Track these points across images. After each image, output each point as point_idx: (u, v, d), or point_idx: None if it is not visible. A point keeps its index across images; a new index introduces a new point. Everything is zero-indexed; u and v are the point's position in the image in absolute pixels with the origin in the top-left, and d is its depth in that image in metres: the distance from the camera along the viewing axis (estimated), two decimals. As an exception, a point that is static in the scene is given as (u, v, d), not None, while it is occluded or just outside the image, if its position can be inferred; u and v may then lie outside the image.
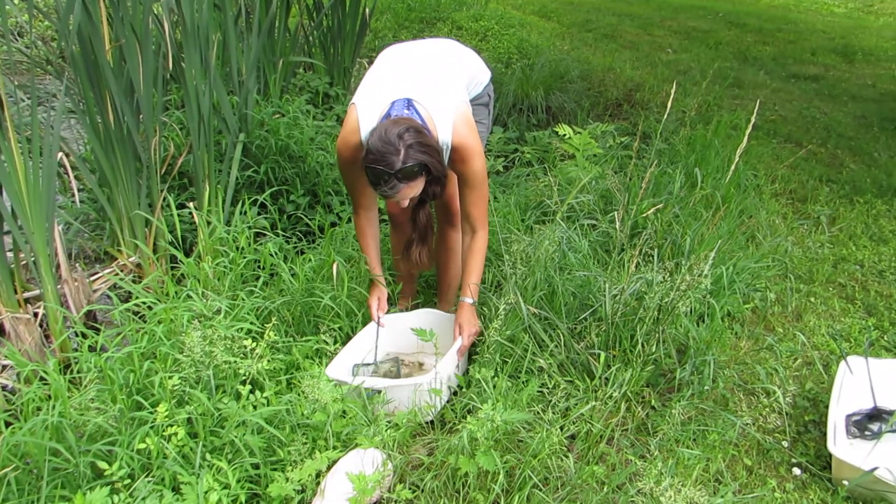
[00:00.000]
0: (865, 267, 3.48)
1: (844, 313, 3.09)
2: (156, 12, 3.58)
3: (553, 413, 2.13)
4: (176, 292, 2.51)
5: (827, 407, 2.32)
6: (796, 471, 2.22)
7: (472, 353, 2.54)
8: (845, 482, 2.07)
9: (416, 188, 2.16)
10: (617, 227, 2.82)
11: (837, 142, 5.23)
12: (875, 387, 2.36)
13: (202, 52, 3.16)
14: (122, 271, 3.06)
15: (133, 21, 2.86)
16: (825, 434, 2.22)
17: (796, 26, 9.52)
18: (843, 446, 2.16)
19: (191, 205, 3.25)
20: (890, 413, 2.24)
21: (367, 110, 2.25)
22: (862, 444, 2.18)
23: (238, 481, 1.83)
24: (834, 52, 8.14)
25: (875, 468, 1.95)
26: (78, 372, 2.17)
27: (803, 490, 2.16)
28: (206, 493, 1.74)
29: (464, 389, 2.34)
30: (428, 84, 2.30)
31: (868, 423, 2.22)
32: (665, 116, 3.24)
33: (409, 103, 2.21)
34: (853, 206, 4.13)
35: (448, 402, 2.39)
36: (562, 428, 2.16)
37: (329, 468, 1.96)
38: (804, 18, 10.22)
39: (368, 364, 2.52)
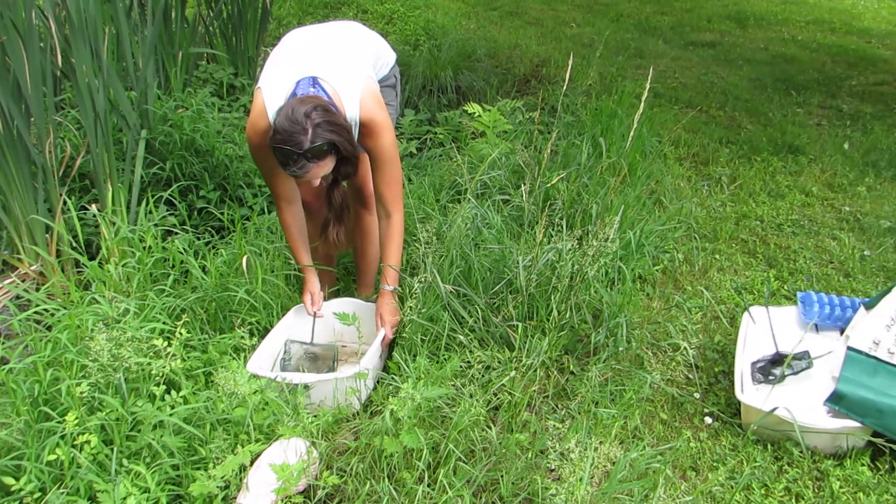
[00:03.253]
0: (765, 222, 3.66)
1: (747, 267, 3.24)
2: (39, 6, 3.41)
3: (474, 386, 2.16)
4: (81, 297, 2.42)
5: (734, 357, 2.44)
6: (708, 420, 2.33)
7: (393, 339, 2.54)
8: (753, 425, 2.18)
9: (325, 167, 2.13)
10: (524, 197, 2.86)
11: (735, 104, 5.44)
12: (776, 333, 2.50)
13: (92, 46, 3.04)
14: (23, 281, 2.93)
15: (14, 17, 2.72)
16: (734, 383, 2.33)
17: (692, -5, 9.81)
18: (749, 392, 2.27)
19: (93, 206, 3.13)
20: (789, 357, 2.36)
21: (272, 92, 2.21)
22: (767, 388, 2.29)
23: (158, 484, 1.79)
24: (728, 19, 8.44)
25: (775, 409, 2.07)
26: (-22, 388, 2.07)
27: (716, 437, 2.26)
28: (124, 499, 1.69)
29: (389, 373, 2.35)
30: (333, 61, 2.27)
31: (771, 368, 2.34)
32: (564, 88, 3.30)
33: (314, 81, 2.18)
34: (751, 164, 4.32)
35: (373, 389, 2.39)
36: (488, 402, 2.20)
37: (253, 462, 1.94)
38: (699, -13, 10.54)
39: (305, 343, 2.50)
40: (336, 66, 2.26)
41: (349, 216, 2.54)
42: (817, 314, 2.54)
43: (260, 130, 2.22)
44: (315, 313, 2.59)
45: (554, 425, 2.17)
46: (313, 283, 2.61)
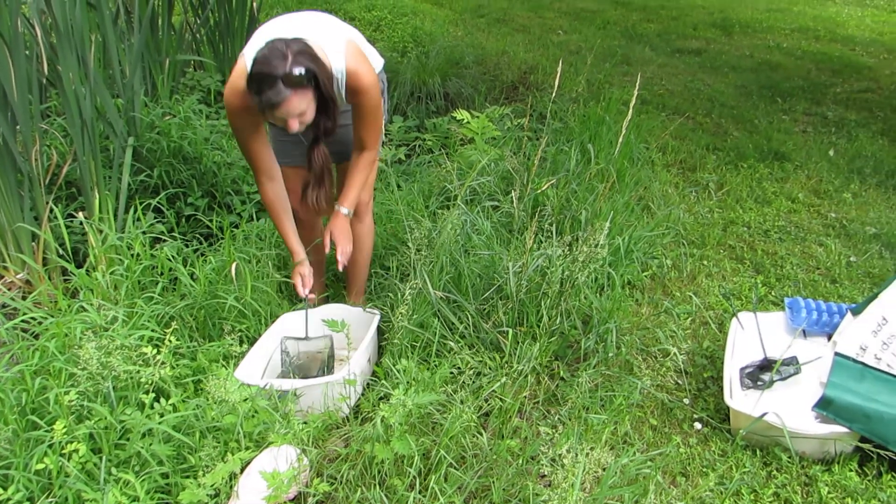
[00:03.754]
0: (752, 228, 3.68)
1: (735, 273, 3.26)
2: (25, 14, 3.39)
3: (465, 392, 2.16)
4: (69, 305, 2.40)
5: (723, 362, 2.45)
6: (697, 425, 2.34)
7: (382, 343, 2.54)
8: (742, 431, 2.19)
9: (303, 101, 2.06)
10: (514, 203, 2.87)
11: (721, 111, 5.48)
12: (764, 339, 2.51)
13: (79, 53, 3.02)
14: (9, 289, 2.90)
15: (-1, 24, 2.70)
16: (723, 388, 2.34)
17: (678, 3, 9.89)
18: (738, 398, 2.29)
19: (80, 214, 3.11)
20: (777, 363, 2.37)
21: (254, 52, 2.14)
22: (755, 394, 2.31)
23: (147, 492, 1.78)
24: (714, 26, 8.51)
25: (764, 414, 2.08)
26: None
27: (705, 443, 2.27)
28: (113, 507, 1.68)
29: (378, 380, 2.35)
30: (316, 27, 2.26)
31: (760, 373, 2.35)
32: (553, 95, 3.32)
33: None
34: (738, 171, 4.35)
35: (362, 394, 2.39)
36: (479, 408, 2.20)
37: (243, 470, 1.93)
38: (685, -5, 10.64)
39: (300, 338, 2.49)
40: (319, 29, 2.25)
41: (330, 179, 2.47)
42: (805, 320, 2.56)
43: (240, 90, 2.16)
44: (306, 296, 2.55)
45: (545, 431, 2.17)
46: (303, 264, 2.55)
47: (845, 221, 3.78)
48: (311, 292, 2.56)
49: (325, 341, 2.55)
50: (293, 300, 2.67)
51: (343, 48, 2.23)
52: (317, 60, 2.07)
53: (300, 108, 2.07)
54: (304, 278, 2.55)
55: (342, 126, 2.47)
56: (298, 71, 1.99)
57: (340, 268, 2.51)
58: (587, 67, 5.47)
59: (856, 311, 2.45)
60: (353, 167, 2.47)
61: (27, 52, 2.97)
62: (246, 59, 2.17)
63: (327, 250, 2.49)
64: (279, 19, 2.37)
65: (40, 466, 1.74)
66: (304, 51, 2.03)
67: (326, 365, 2.52)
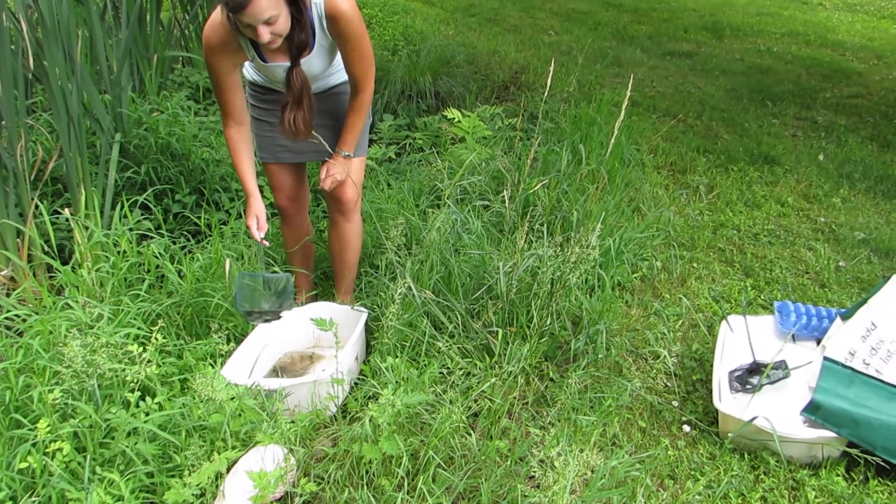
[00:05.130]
0: (742, 231, 3.69)
1: (724, 276, 3.26)
2: (10, 8, 3.35)
3: (454, 393, 2.15)
4: (54, 302, 2.37)
5: (712, 365, 2.45)
6: (686, 428, 2.34)
7: (371, 342, 2.53)
8: (731, 434, 2.19)
9: (273, 4, 2.00)
10: (506, 203, 2.86)
11: (711, 114, 5.50)
12: (753, 342, 2.51)
13: (65, 49, 2.99)
14: (-7, 285, 2.87)
15: (-15, 18, 2.67)
16: (712, 391, 2.34)
17: (669, 5, 9.92)
18: (727, 401, 2.28)
19: (66, 210, 3.08)
20: (766, 366, 2.38)
21: None
22: (744, 397, 2.30)
23: (132, 492, 1.75)
24: (705, 29, 8.54)
25: (753, 418, 2.08)
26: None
27: (694, 446, 2.27)
28: (96, 507, 1.66)
29: (366, 378, 2.33)
30: None
31: (749, 377, 2.35)
32: (545, 96, 3.31)
33: None
34: (728, 174, 4.36)
35: (350, 392, 2.37)
36: (469, 408, 2.18)
37: (229, 469, 1.91)
38: (676, -3, 10.68)
39: (256, 275, 2.44)
40: None
41: (309, 103, 2.38)
42: (794, 324, 2.56)
43: (217, 24, 2.14)
44: (261, 240, 2.49)
45: (534, 433, 2.16)
46: (258, 205, 2.49)
47: (834, 226, 3.79)
48: (265, 239, 2.52)
49: (283, 280, 2.49)
50: (263, 264, 2.62)
51: None
52: None
53: (269, 10, 2.00)
54: (260, 220, 2.48)
55: (331, 94, 2.47)
56: None
57: (322, 186, 2.49)
58: (578, 68, 5.47)
59: (845, 316, 2.45)
60: (350, 110, 2.46)
61: (13, 47, 2.94)
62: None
63: (324, 186, 2.48)
64: None
65: (24, 465, 1.72)
66: None
67: (280, 303, 2.47)
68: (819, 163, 4.63)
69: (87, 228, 2.85)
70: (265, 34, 2.04)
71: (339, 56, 2.38)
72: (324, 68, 2.38)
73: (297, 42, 2.19)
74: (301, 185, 2.72)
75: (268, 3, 1.99)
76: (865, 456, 2.09)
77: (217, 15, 2.16)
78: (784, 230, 3.72)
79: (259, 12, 1.99)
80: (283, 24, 2.07)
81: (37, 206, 2.98)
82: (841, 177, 4.42)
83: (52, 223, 2.88)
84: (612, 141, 2.85)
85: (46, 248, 2.86)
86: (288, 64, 2.25)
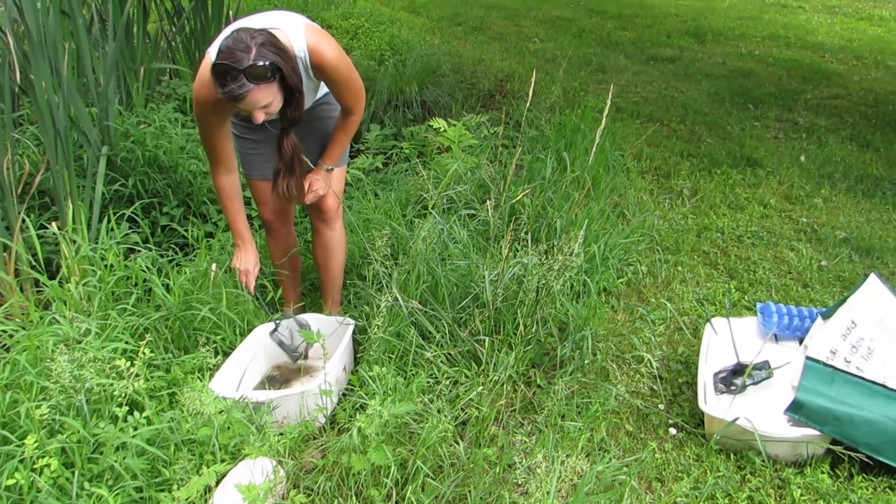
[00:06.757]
0: (725, 234, 3.73)
1: (709, 278, 3.30)
2: (-3, 23, 3.35)
3: (442, 402, 2.16)
4: (41, 317, 2.38)
5: (697, 367, 2.48)
6: (673, 431, 2.36)
7: (359, 353, 2.54)
8: (716, 436, 2.22)
9: (267, 94, 2.06)
10: (490, 212, 2.89)
11: (695, 118, 5.55)
12: (737, 344, 2.54)
13: (52, 62, 3.00)
14: (-20, 301, 2.86)
15: (-31, 33, 2.67)
16: (697, 393, 2.37)
17: (651, 11, 10.01)
18: (712, 403, 2.31)
19: (53, 224, 3.08)
20: (752, 367, 2.41)
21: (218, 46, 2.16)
22: (729, 398, 2.33)
23: (121, 507, 1.76)
24: (687, 34, 8.62)
25: (736, 419, 2.11)
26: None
27: (680, 448, 2.29)
28: (86, 523, 1.66)
29: (353, 388, 2.34)
30: (274, 17, 2.26)
31: (733, 378, 2.38)
32: (528, 104, 3.34)
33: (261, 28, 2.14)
34: (711, 177, 4.40)
35: (338, 403, 2.39)
36: (457, 416, 2.20)
37: (218, 482, 1.91)
38: (658, 3, 10.76)
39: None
40: (278, 18, 2.25)
41: (301, 168, 2.46)
42: (776, 324, 2.60)
43: (207, 82, 2.15)
44: (246, 287, 2.56)
45: (521, 439, 2.18)
46: (253, 255, 2.56)
47: (816, 226, 3.84)
48: (253, 289, 2.59)
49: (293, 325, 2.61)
50: (269, 311, 2.66)
51: (302, 28, 2.22)
52: (281, 52, 2.06)
53: (264, 100, 2.07)
54: (249, 274, 2.56)
55: (314, 107, 2.50)
56: (262, 63, 1.99)
57: (304, 200, 2.53)
58: (561, 74, 5.51)
59: (826, 316, 2.49)
60: (337, 128, 2.50)
61: (-1, 61, 2.95)
62: (211, 52, 2.16)
63: (306, 200, 2.52)
64: (246, 17, 2.37)
65: (11, 482, 1.72)
66: (267, 42, 2.02)
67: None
68: (800, 164, 4.68)
69: (73, 242, 2.85)
70: (260, 117, 2.12)
71: None
72: (310, 102, 2.44)
73: (290, 118, 2.24)
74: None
75: (262, 95, 2.05)
76: (849, 453, 2.12)
77: (207, 73, 2.15)
78: (767, 231, 3.76)
79: (254, 103, 2.06)
80: (277, 105, 2.14)
81: (24, 220, 2.98)
82: (822, 177, 4.48)
83: (40, 237, 2.88)
84: (594, 149, 2.88)
85: (33, 263, 2.86)
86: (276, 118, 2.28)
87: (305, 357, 2.63)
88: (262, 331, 2.57)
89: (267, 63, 1.99)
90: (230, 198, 2.50)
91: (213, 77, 2.03)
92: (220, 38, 2.18)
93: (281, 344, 2.56)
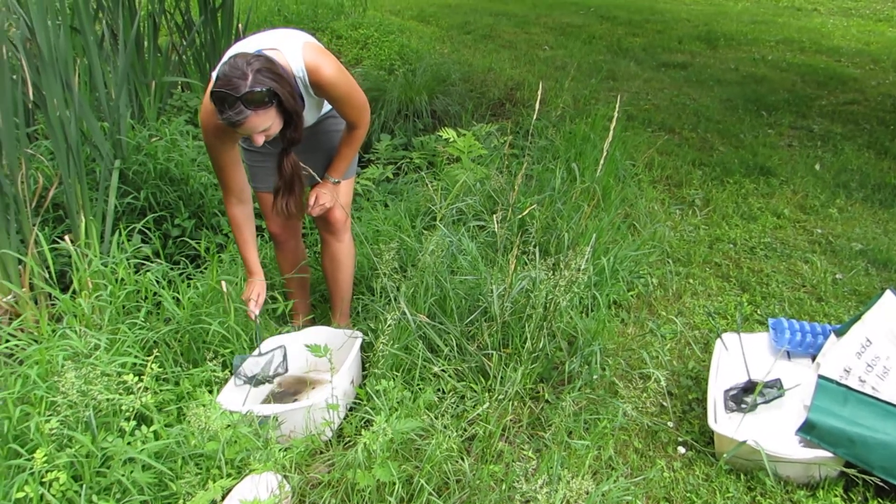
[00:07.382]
0: (738, 245, 3.69)
1: (721, 291, 3.27)
2: (11, 40, 3.39)
3: (449, 417, 2.16)
4: (53, 331, 2.40)
5: (707, 384, 2.45)
6: (682, 449, 2.33)
7: (367, 366, 2.54)
8: (725, 456, 2.19)
9: (265, 120, 2.08)
10: (496, 226, 2.88)
11: (707, 126, 5.51)
12: (748, 360, 2.51)
13: (62, 78, 3.03)
14: (-5, 314, 2.89)
15: (-16, 50, 2.71)
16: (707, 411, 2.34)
17: (662, 16, 9.97)
18: (722, 421, 2.28)
19: (66, 238, 3.10)
20: (763, 385, 2.38)
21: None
22: (739, 417, 2.30)
23: (128, 523, 1.77)
24: (699, 40, 8.57)
25: (745, 441, 2.08)
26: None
27: (689, 467, 2.27)
28: (92, 540, 1.67)
29: (361, 402, 2.34)
30: (273, 37, 2.27)
31: (743, 396, 2.35)
32: (535, 114, 3.34)
33: (258, 52, 2.16)
34: (724, 187, 4.37)
35: (345, 417, 2.39)
36: (464, 431, 2.19)
37: (224, 497, 1.92)
38: (669, 8, 10.73)
39: (255, 356, 2.49)
40: (276, 38, 2.26)
41: (300, 187, 2.49)
42: (788, 341, 2.57)
43: (210, 109, 2.17)
44: (255, 318, 2.55)
45: (528, 457, 2.17)
46: (261, 286, 2.57)
47: (831, 237, 3.79)
48: (257, 309, 2.57)
49: (277, 354, 2.57)
50: (277, 323, 2.67)
51: (300, 47, 2.24)
52: (278, 77, 2.08)
53: (262, 125, 2.09)
54: (259, 298, 2.56)
55: (320, 121, 2.52)
56: (259, 89, 2.00)
57: (311, 213, 2.56)
58: (570, 82, 5.50)
59: (839, 333, 2.45)
60: (343, 142, 2.52)
61: (13, 77, 2.98)
62: (214, 76, 2.18)
63: (312, 213, 2.54)
64: (247, 38, 2.39)
65: (21, 495, 1.74)
66: (264, 68, 2.04)
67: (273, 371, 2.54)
68: (815, 172, 4.63)
69: (86, 256, 2.87)
70: (260, 140, 2.15)
71: None
72: (315, 118, 2.47)
73: (290, 138, 2.27)
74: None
75: (260, 120, 2.07)
76: (864, 476, 2.06)
77: (209, 98, 2.18)
78: (780, 243, 3.72)
79: (253, 128, 2.09)
80: (276, 128, 2.17)
81: (37, 234, 3.01)
82: (838, 186, 4.42)
83: (53, 250, 2.91)
84: (602, 161, 2.87)
85: (46, 276, 2.89)
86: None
87: (286, 371, 2.60)
88: (268, 345, 2.58)
89: (264, 89, 2.01)
90: (238, 228, 2.53)
91: (212, 103, 2.05)
92: (221, 61, 2.21)
93: (250, 382, 2.49)
